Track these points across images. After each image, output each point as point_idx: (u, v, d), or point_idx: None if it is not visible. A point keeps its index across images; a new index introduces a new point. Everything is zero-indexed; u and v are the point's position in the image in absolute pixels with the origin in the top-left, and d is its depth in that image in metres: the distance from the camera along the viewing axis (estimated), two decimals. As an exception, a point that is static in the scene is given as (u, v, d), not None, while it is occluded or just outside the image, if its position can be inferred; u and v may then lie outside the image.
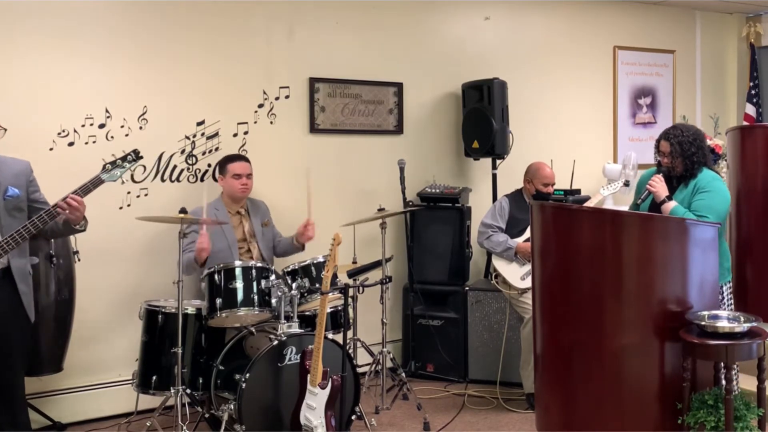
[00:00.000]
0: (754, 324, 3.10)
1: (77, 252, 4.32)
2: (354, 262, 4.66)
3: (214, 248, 4.33)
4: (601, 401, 3.26)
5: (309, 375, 3.68)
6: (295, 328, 3.96)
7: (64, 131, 4.43)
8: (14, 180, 3.28)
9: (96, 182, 3.31)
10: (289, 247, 4.65)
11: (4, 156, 3.32)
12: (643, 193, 3.83)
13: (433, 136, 5.72)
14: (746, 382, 3.56)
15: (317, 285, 4.04)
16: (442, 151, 5.76)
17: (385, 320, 4.67)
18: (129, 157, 3.43)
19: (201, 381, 4.04)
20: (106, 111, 4.55)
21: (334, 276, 4.01)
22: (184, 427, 3.81)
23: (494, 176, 5.66)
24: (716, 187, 3.66)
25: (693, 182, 3.70)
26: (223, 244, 4.36)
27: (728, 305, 3.70)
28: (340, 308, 4.21)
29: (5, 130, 3.23)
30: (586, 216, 3.44)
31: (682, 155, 3.69)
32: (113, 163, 3.39)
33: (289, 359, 3.85)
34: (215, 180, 4.59)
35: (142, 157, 3.51)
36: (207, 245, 4.20)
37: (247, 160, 4.56)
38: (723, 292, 3.67)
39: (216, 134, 4.87)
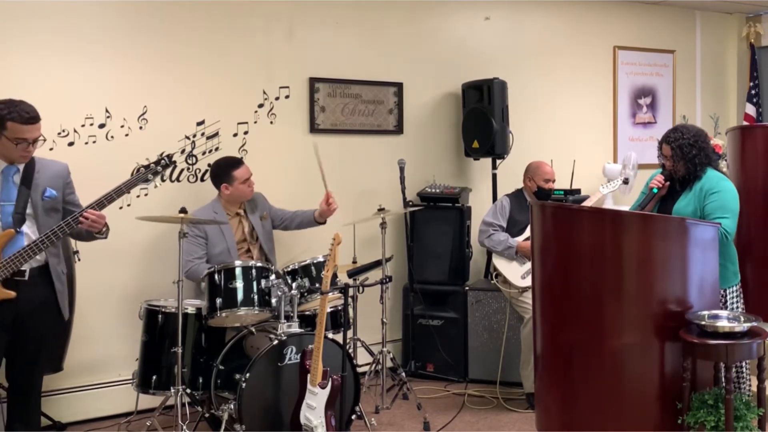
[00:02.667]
0: (754, 324, 3.10)
1: (77, 252, 4.32)
2: (354, 262, 4.66)
3: (214, 251, 4.33)
4: (601, 401, 3.26)
5: (309, 375, 3.68)
6: (295, 328, 3.95)
7: (64, 131, 4.43)
8: (52, 181, 3.38)
9: (129, 185, 3.42)
10: (310, 220, 4.67)
11: (44, 158, 3.42)
12: (647, 197, 3.81)
13: (433, 136, 5.72)
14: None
15: (317, 285, 4.04)
16: (442, 151, 5.77)
17: (385, 320, 4.67)
18: (162, 161, 3.51)
19: (201, 381, 4.03)
20: (106, 111, 4.55)
21: (334, 276, 4.01)
22: (184, 427, 3.81)
23: (494, 176, 5.66)
24: (725, 186, 3.66)
25: (698, 185, 3.68)
26: (222, 246, 4.35)
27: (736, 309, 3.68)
28: (340, 308, 4.21)
29: (44, 139, 3.32)
30: (586, 216, 3.45)
31: (683, 158, 3.69)
32: (146, 167, 3.46)
33: (289, 359, 3.86)
34: (217, 188, 4.47)
35: (174, 162, 3.54)
36: None
37: (243, 161, 4.54)
38: (726, 296, 3.64)
39: (216, 134, 4.87)
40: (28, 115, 3.22)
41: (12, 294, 3.19)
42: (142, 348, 4.05)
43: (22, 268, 3.24)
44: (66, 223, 3.29)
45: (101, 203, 3.34)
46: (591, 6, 6.46)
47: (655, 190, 3.77)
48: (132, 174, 3.52)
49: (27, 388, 3.35)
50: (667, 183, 3.78)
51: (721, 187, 3.64)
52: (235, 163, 4.47)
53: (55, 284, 3.36)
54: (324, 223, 4.70)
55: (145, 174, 3.49)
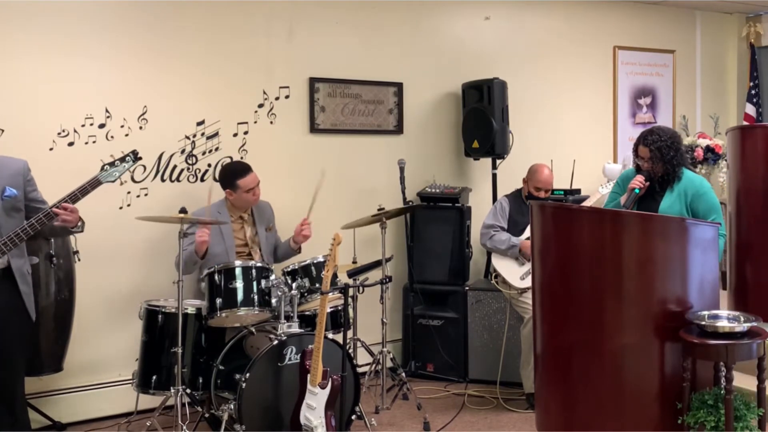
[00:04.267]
0: (754, 324, 3.10)
1: (77, 252, 4.32)
2: (354, 262, 4.66)
3: (212, 251, 4.31)
4: (601, 401, 3.26)
5: (309, 375, 3.68)
6: (295, 328, 3.96)
7: (64, 131, 4.43)
8: (11, 180, 3.26)
9: (94, 183, 3.32)
10: (288, 250, 4.63)
11: (2, 156, 3.32)
12: (629, 198, 3.83)
13: (433, 136, 5.72)
14: (746, 382, 3.55)
15: (317, 285, 4.04)
16: (442, 151, 5.76)
17: (385, 320, 4.67)
18: (128, 157, 3.45)
19: (201, 381, 4.04)
20: (106, 111, 4.55)
21: (334, 276, 4.01)
22: (184, 427, 3.81)
23: (494, 176, 5.66)
24: (707, 187, 3.82)
25: (679, 186, 3.77)
26: (220, 248, 4.34)
27: None
28: (340, 308, 4.21)
29: (2, 130, 3.20)
30: (586, 216, 3.44)
31: (662, 159, 3.77)
32: (111, 164, 3.40)
33: (289, 359, 3.86)
34: (223, 190, 4.45)
35: (140, 158, 3.52)
36: (207, 238, 4.15)
37: (251, 168, 4.44)
38: None
39: (216, 134, 4.87)
40: None
41: None
42: (142, 348, 4.05)
43: None
44: (37, 219, 3.19)
45: (74, 197, 3.26)
46: (591, 6, 6.46)
47: (637, 191, 3.81)
48: (101, 170, 3.41)
49: (9, 391, 3.28)
50: (647, 183, 3.82)
51: (705, 189, 3.79)
52: (241, 171, 4.39)
53: (19, 286, 3.25)
54: (299, 251, 4.61)
55: (110, 171, 3.39)
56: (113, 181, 3.44)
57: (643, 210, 3.80)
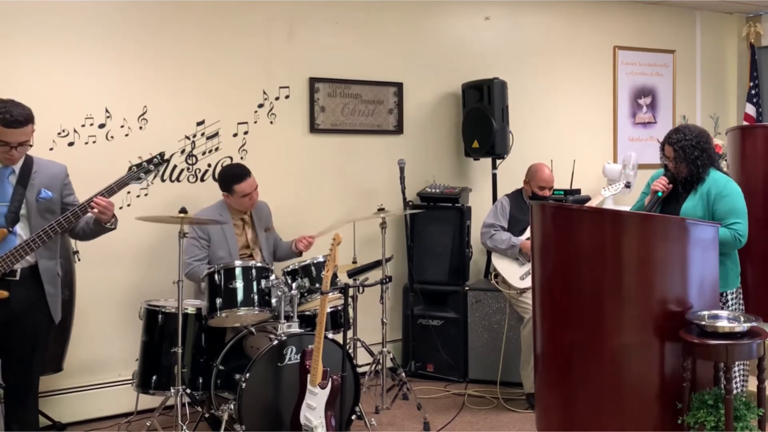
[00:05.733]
0: (754, 324, 3.10)
1: (77, 252, 4.32)
2: (354, 262, 4.66)
3: (217, 254, 4.31)
4: (601, 401, 3.26)
5: (309, 375, 3.68)
6: (295, 328, 3.96)
7: (64, 131, 4.43)
8: (49, 183, 3.34)
9: (120, 184, 3.39)
10: (288, 252, 4.62)
11: (42, 158, 3.40)
12: (651, 200, 3.77)
13: (433, 136, 5.72)
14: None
15: (317, 285, 4.04)
16: (442, 151, 5.77)
17: (385, 320, 4.67)
18: (155, 159, 3.49)
19: (201, 381, 4.04)
20: (106, 111, 4.55)
21: (334, 276, 4.01)
22: (184, 427, 3.81)
23: (494, 176, 5.66)
24: (732, 189, 3.64)
25: (703, 187, 3.65)
26: (224, 250, 4.33)
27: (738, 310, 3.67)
28: (340, 308, 4.21)
29: (31, 145, 3.29)
30: (586, 216, 3.44)
31: (686, 159, 3.64)
32: (139, 166, 3.45)
33: (289, 359, 3.86)
34: (222, 192, 4.43)
35: (168, 160, 3.53)
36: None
37: (250, 172, 4.39)
38: (728, 298, 3.63)
39: (216, 134, 4.87)
40: (11, 118, 3.13)
41: (5, 294, 3.19)
42: (142, 348, 4.05)
43: (14, 268, 3.21)
44: (72, 213, 3.24)
45: (111, 190, 3.33)
46: (591, 6, 6.46)
47: (660, 194, 3.73)
48: (129, 170, 3.46)
49: (23, 389, 3.33)
50: (671, 185, 3.74)
51: (729, 191, 3.62)
52: (238, 176, 4.34)
53: (45, 287, 3.30)
54: (300, 254, 4.60)
55: (137, 172, 3.46)
56: (140, 183, 3.51)
57: (664, 212, 3.72)
